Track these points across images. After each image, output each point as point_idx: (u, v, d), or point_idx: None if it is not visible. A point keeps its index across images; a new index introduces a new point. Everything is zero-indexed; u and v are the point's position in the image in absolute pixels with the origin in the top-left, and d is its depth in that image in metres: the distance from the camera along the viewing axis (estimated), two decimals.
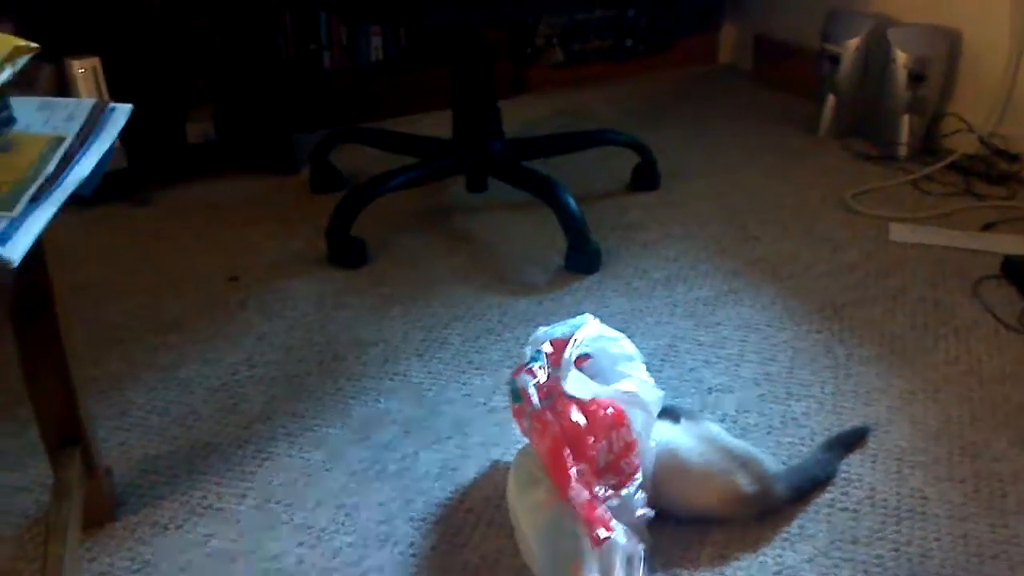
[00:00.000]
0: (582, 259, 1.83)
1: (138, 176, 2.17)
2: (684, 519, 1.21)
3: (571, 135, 2.26)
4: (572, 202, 1.85)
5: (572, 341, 1.24)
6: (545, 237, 1.95)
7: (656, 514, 1.17)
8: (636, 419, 1.19)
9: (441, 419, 1.46)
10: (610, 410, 1.18)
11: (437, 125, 2.32)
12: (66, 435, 1.19)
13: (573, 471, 1.12)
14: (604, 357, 1.27)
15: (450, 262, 1.89)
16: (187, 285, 1.84)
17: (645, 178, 2.15)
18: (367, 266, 1.88)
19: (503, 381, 1.53)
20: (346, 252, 1.88)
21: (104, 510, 1.28)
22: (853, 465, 1.32)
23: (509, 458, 1.36)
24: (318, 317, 1.73)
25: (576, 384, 1.20)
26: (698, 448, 1.24)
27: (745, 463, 1.23)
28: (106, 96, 2.13)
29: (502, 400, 1.49)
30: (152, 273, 1.88)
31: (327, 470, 1.37)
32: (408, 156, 2.12)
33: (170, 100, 2.25)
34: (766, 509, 1.23)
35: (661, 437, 1.23)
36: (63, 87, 2.14)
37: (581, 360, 1.24)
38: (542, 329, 1.32)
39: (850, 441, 1.35)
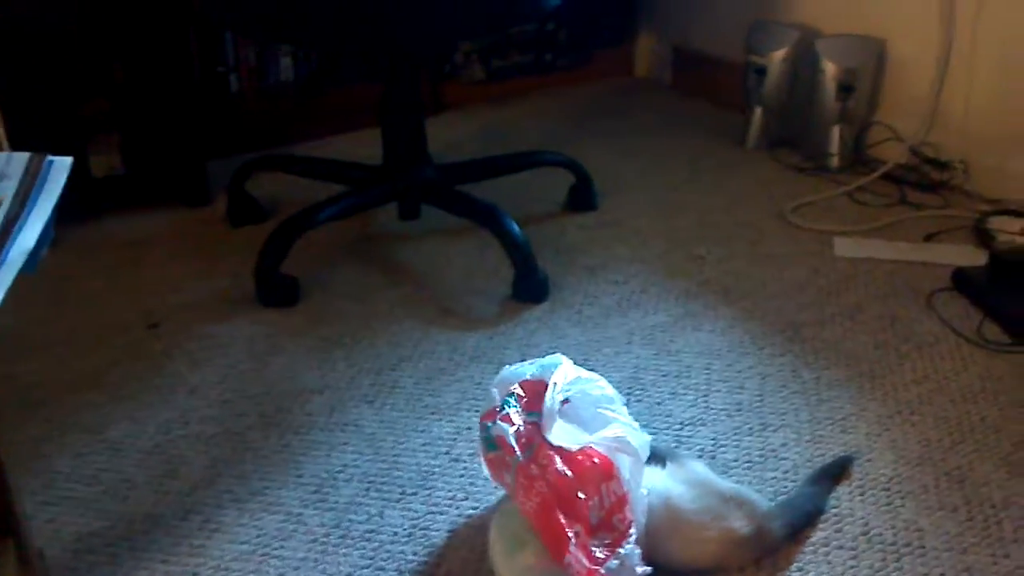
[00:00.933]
0: (530, 288, 1.75)
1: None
2: (681, 571, 1.15)
3: (506, 157, 2.18)
4: (516, 228, 1.77)
5: (552, 386, 1.17)
6: (487, 265, 1.87)
7: (653, 569, 1.10)
8: (625, 468, 1.12)
9: (403, 472, 1.37)
10: (597, 460, 1.11)
11: (354, 148, 2.22)
12: None
13: (571, 535, 1.04)
14: (584, 401, 1.20)
15: (390, 296, 1.79)
16: (104, 335, 1.69)
17: (582, 198, 2.08)
18: (300, 304, 1.77)
19: (463, 426, 1.45)
20: (277, 291, 1.76)
21: None
22: (843, 499, 1.27)
23: (482, 512, 1.28)
24: (253, 364, 1.61)
25: (562, 434, 1.12)
26: (689, 494, 1.17)
27: (739, 504, 1.18)
28: (0, 128, 1.96)
29: (465, 447, 1.40)
30: (64, 322, 1.73)
31: (285, 538, 1.26)
32: (333, 183, 2.01)
33: (69, 130, 2.09)
34: (764, 551, 1.17)
35: (650, 485, 1.15)
36: None
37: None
38: (507, 369, 1.25)
39: (836, 472, 1.31)
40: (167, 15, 2.04)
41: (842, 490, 1.29)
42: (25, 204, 0.76)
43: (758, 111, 2.34)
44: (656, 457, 1.22)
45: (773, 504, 1.23)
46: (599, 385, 1.22)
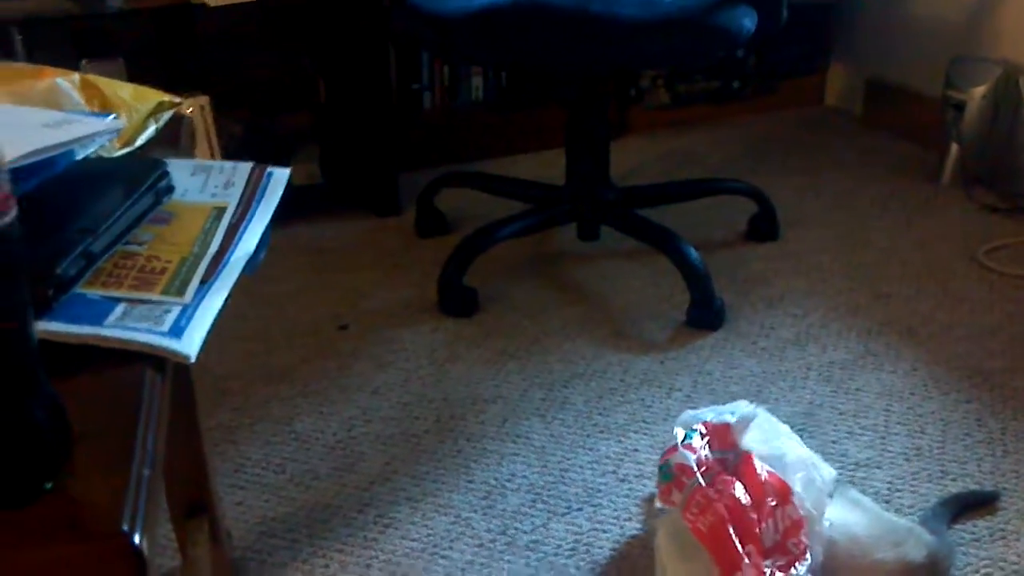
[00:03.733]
0: (705, 315, 1.75)
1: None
2: None
3: (687, 183, 2.18)
4: (694, 254, 1.77)
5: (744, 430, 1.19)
6: (662, 289, 1.88)
7: None
8: (804, 495, 1.12)
9: (569, 487, 1.39)
10: (775, 484, 1.11)
11: (538, 167, 2.27)
12: (194, 505, 1.14)
13: (744, 554, 1.04)
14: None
15: (564, 314, 1.82)
16: (297, 332, 1.79)
17: (763, 228, 2.06)
18: (478, 315, 1.83)
19: (631, 447, 1.47)
20: (458, 301, 1.83)
21: None
22: (1022, 550, 1.22)
23: (645, 534, 1.29)
24: (431, 370, 1.67)
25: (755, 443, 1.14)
26: (863, 521, 1.17)
27: (911, 532, 1.16)
28: (214, 136, 2.11)
29: (632, 468, 1.42)
30: (260, 319, 1.84)
31: (454, 539, 1.30)
32: (516, 201, 2.07)
33: (274, 140, 2.22)
34: None
35: (829, 515, 1.15)
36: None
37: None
38: (688, 412, 1.27)
39: (973, 503, 1.27)
40: (367, 35, 2.15)
41: (1020, 539, 1.23)
42: (248, 211, 0.83)
43: (954, 148, 2.26)
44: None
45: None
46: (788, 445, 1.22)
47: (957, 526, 1.27)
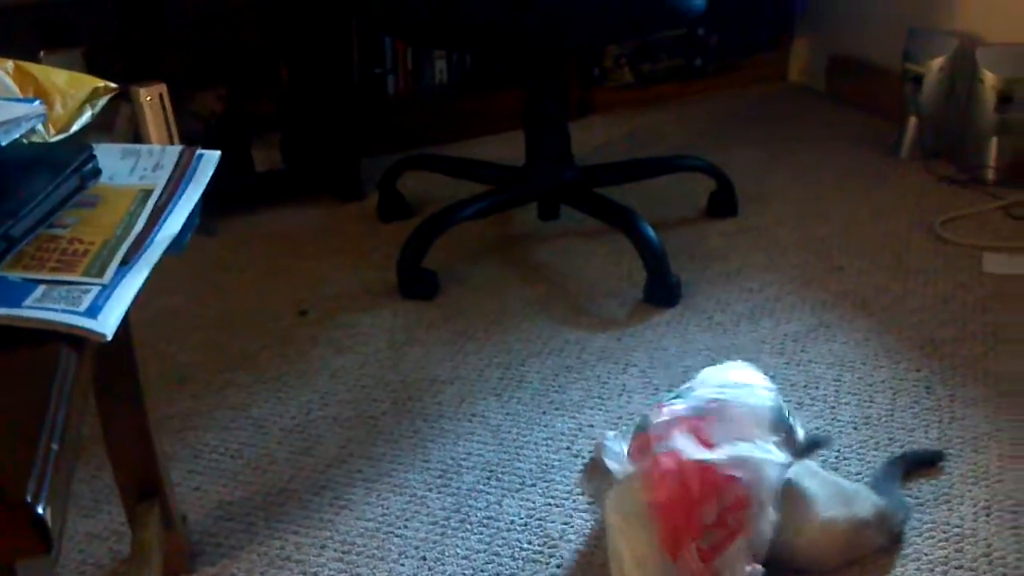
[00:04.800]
0: (662, 291, 1.76)
1: (204, 205, 2.14)
2: (806, 567, 1.15)
3: (646, 161, 2.19)
4: (651, 232, 1.78)
5: (705, 380, 1.21)
6: (621, 267, 1.89)
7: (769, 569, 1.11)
8: (752, 485, 1.13)
9: (524, 463, 1.41)
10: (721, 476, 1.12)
11: (502, 149, 2.27)
12: (145, 489, 1.15)
13: (691, 548, 1.06)
14: (734, 410, 1.21)
15: (524, 294, 1.84)
16: (256, 319, 1.80)
17: (722, 204, 2.08)
18: (439, 298, 1.83)
19: (585, 423, 1.48)
20: (418, 284, 1.83)
21: (181, 562, 1.24)
22: (966, 518, 1.24)
23: (597, 509, 1.30)
24: (390, 353, 1.68)
25: (688, 443, 1.15)
26: (812, 483, 1.18)
27: (857, 491, 1.20)
28: (172, 123, 2.11)
29: (586, 444, 1.43)
30: (220, 306, 1.85)
31: (408, 519, 1.32)
32: (477, 183, 2.07)
33: (236, 127, 2.22)
34: (889, 538, 1.19)
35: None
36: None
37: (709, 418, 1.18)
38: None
39: (919, 462, 1.32)
40: (330, 20, 2.15)
41: (966, 510, 1.25)
42: (175, 192, 0.84)
43: (913, 120, 2.28)
44: None
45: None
46: (761, 396, 1.23)
47: (904, 489, 1.29)
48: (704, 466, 1.11)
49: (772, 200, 2.13)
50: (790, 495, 1.16)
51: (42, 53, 2.02)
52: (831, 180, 2.22)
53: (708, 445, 1.15)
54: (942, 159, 2.25)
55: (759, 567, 1.10)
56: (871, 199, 2.12)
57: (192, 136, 2.12)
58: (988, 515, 1.24)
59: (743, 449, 1.15)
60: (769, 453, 1.16)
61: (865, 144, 2.38)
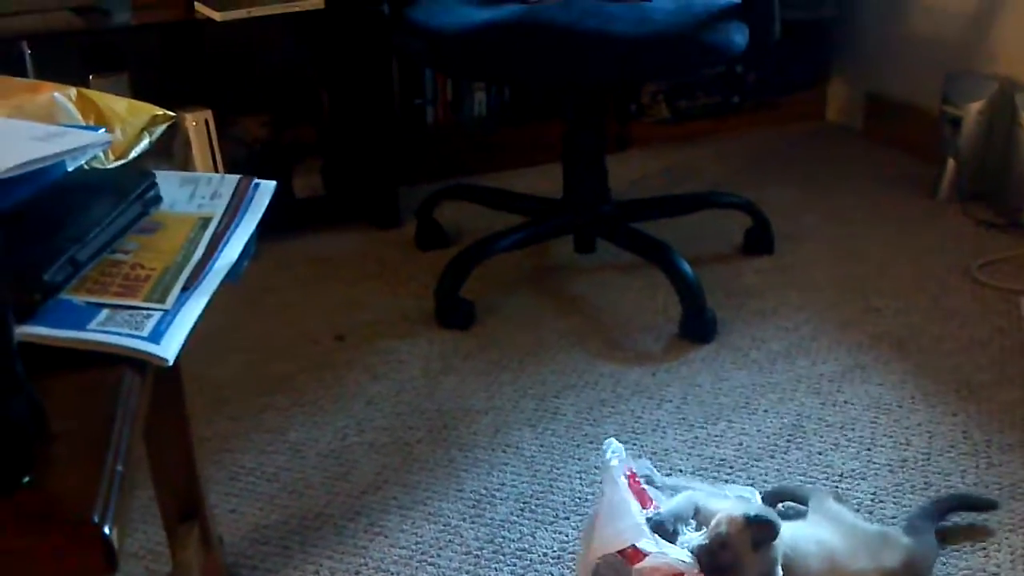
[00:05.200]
0: (697, 327, 1.77)
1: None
2: None
3: (682, 197, 2.21)
4: (687, 267, 1.79)
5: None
6: (656, 302, 1.89)
7: None
8: None
9: (557, 496, 1.41)
10: None
11: (539, 181, 2.29)
12: (185, 510, 1.16)
13: None
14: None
15: (559, 326, 1.85)
16: (294, 343, 1.82)
17: (758, 242, 2.08)
18: (475, 327, 1.85)
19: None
20: (454, 313, 1.85)
21: None
22: (1003, 567, 1.23)
23: None
24: (426, 381, 1.69)
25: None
26: (839, 537, 1.18)
27: (885, 540, 1.20)
28: (217, 149, 2.15)
29: None
30: (259, 329, 1.87)
31: (441, 548, 1.32)
32: (515, 214, 2.09)
33: (277, 152, 2.26)
34: None
35: (802, 534, 1.16)
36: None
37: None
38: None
39: (966, 505, 1.31)
40: (371, 49, 2.18)
41: (1003, 557, 1.25)
42: (232, 221, 0.86)
43: (951, 163, 2.28)
44: (797, 499, 1.24)
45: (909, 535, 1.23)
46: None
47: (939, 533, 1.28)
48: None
49: (808, 239, 2.13)
50: (817, 547, 1.15)
51: (91, 78, 2.06)
52: (867, 220, 2.22)
53: None
54: (980, 202, 2.24)
55: None
56: (908, 241, 2.12)
57: (237, 161, 2.16)
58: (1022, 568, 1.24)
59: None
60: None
61: (902, 185, 2.38)
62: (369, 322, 1.88)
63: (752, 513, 1.07)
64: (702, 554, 1.05)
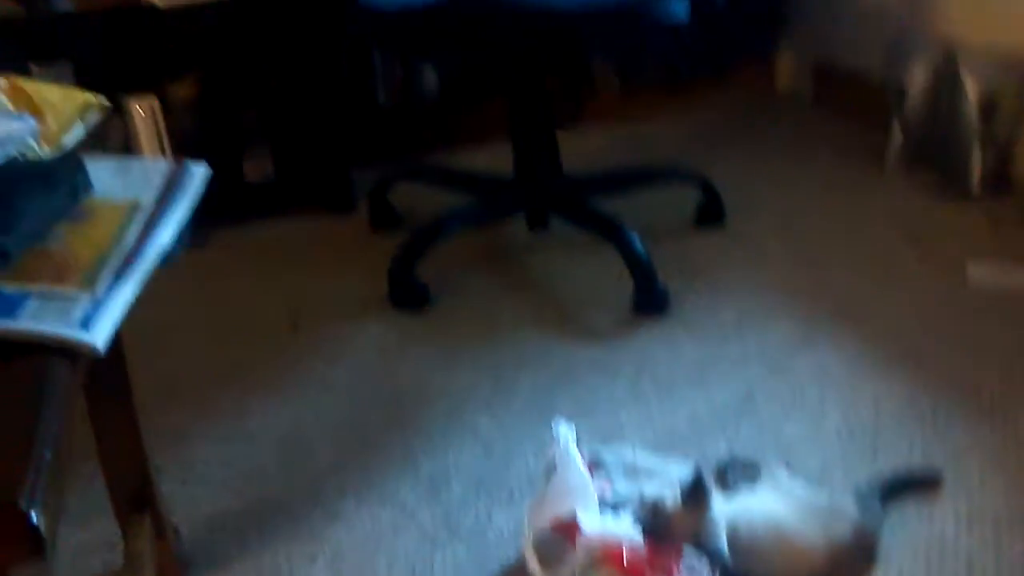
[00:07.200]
0: (650, 301, 1.78)
1: (195, 216, 2.15)
2: None
3: (633, 171, 2.21)
4: (637, 242, 1.80)
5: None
6: (609, 277, 1.90)
7: None
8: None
9: (512, 474, 1.42)
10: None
11: (492, 160, 2.28)
12: (137, 500, 1.16)
13: None
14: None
15: (514, 304, 1.85)
16: (248, 330, 1.81)
17: (710, 214, 2.09)
18: (429, 309, 1.85)
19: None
20: (409, 295, 1.85)
21: (173, 572, 1.25)
22: (947, 531, 1.25)
23: None
24: (382, 364, 1.69)
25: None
26: (788, 509, 1.19)
27: (836, 512, 1.21)
28: (164, 136, 2.12)
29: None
30: (211, 317, 1.86)
31: (397, 530, 1.32)
32: (468, 194, 2.09)
33: (226, 138, 2.23)
34: (867, 558, 1.18)
35: (749, 506, 1.18)
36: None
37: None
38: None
39: (914, 482, 1.31)
40: (319, 31, 2.16)
41: (947, 521, 1.26)
42: (163, 209, 0.85)
43: (897, 131, 2.30)
44: (747, 469, 1.25)
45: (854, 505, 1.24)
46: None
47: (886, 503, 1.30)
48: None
49: (758, 210, 2.15)
50: (765, 522, 1.16)
51: (33, 67, 2.03)
52: (817, 190, 2.24)
53: None
54: (926, 169, 2.26)
55: None
56: (856, 210, 2.14)
57: (185, 147, 2.14)
58: (970, 528, 1.25)
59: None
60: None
61: (851, 155, 2.40)
62: (323, 306, 1.87)
63: (684, 478, 1.09)
64: (639, 518, 1.07)
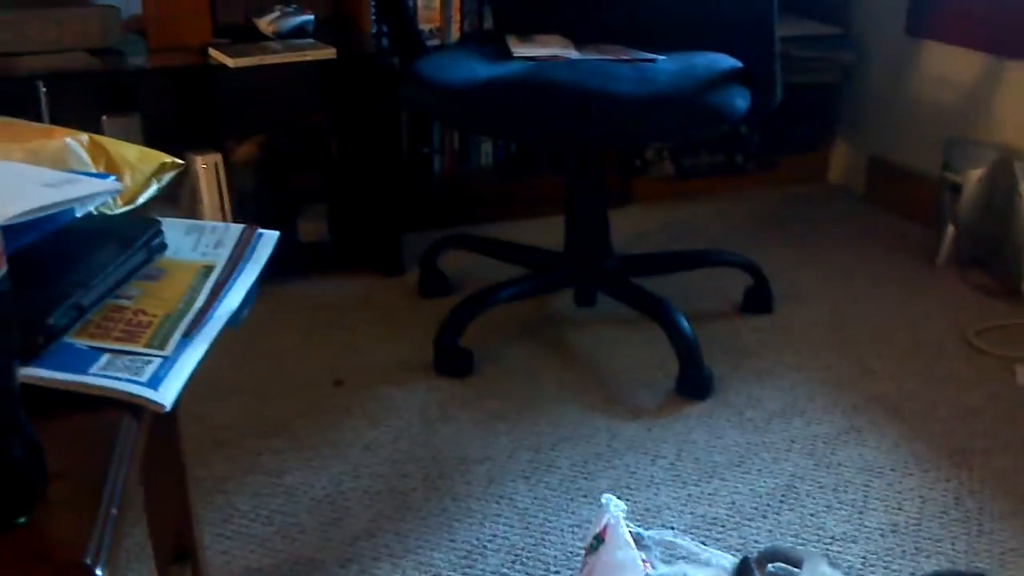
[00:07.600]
0: (694, 384, 1.78)
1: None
2: None
3: (683, 254, 2.23)
4: (685, 324, 1.81)
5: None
6: (654, 357, 1.91)
7: None
8: None
9: (549, 550, 1.42)
10: None
11: (542, 233, 2.31)
12: (179, 551, 1.17)
13: None
14: None
15: (557, 378, 1.86)
16: (292, 386, 1.83)
17: (757, 301, 2.10)
18: (473, 377, 1.86)
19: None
20: (453, 362, 1.86)
21: None
22: None
23: None
24: (423, 429, 1.70)
25: None
26: None
27: None
28: (225, 191, 2.18)
29: None
30: (258, 372, 1.88)
31: None
32: (516, 265, 2.11)
33: (284, 197, 2.29)
34: None
35: None
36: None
37: None
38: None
39: None
40: (380, 99, 2.22)
41: None
42: (235, 269, 0.88)
43: (951, 229, 2.30)
44: (789, 561, 1.24)
45: None
46: None
47: None
48: None
49: (807, 300, 2.15)
50: None
51: (104, 118, 2.10)
52: (866, 283, 2.24)
53: None
54: (978, 269, 2.26)
55: None
56: (905, 305, 2.13)
57: (244, 203, 2.19)
58: None
59: None
60: None
61: (901, 249, 2.40)
62: (368, 368, 1.89)
63: (730, 566, 1.08)
64: None
